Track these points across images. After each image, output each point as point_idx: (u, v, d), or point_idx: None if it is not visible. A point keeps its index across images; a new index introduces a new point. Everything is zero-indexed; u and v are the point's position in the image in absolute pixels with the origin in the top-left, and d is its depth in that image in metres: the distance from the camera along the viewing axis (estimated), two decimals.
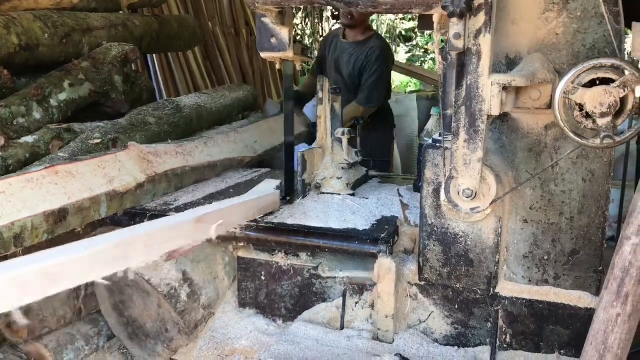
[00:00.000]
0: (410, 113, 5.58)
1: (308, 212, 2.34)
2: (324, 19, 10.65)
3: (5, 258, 1.57)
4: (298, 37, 9.53)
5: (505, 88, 1.57)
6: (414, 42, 12.28)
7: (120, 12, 3.59)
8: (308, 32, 10.56)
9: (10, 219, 1.54)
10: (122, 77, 3.05)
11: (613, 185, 1.81)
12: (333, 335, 2.01)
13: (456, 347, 1.98)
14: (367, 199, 2.56)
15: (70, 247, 1.21)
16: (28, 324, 1.64)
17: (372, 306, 2.03)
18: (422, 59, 11.94)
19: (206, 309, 2.20)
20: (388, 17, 11.17)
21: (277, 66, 2.13)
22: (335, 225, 2.20)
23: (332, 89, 2.67)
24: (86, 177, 1.90)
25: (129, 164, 2.08)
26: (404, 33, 12.22)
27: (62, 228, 1.74)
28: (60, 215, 1.71)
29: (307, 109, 4.38)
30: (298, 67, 2.44)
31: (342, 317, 2.10)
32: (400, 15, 10.46)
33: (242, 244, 2.23)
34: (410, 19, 10.84)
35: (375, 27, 10.79)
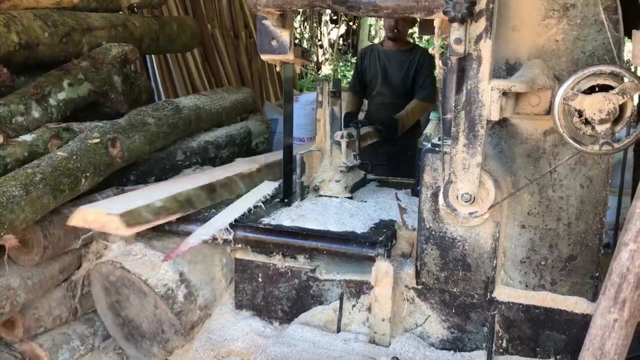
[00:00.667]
0: None
1: (306, 215, 2.34)
2: (322, 22, 10.67)
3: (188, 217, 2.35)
4: (296, 41, 9.54)
5: (504, 93, 1.58)
6: None
7: (120, 12, 3.59)
8: (306, 35, 10.57)
9: (179, 190, 2.39)
10: (122, 77, 3.04)
11: (610, 192, 1.82)
12: (329, 338, 2.00)
13: (452, 351, 1.98)
14: (365, 202, 2.57)
15: None
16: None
17: (369, 309, 2.03)
18: None
19: (203, 310, 2.20)
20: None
21: (277, 68, 2.15)
22: (333, 228, 2.21)
23: (331, 92, 2.68)
24: (218, 171, 2.87)
25: (243, 164, 3.01)
26: None
27: (217, 197, 2.52)
28: (210, 187, 2.52)
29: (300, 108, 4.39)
30: (297, 70, 2.46)
31: (339, 319, 2.09)
32: None
33: (239, 246, 2.23)
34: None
35: (374, 32, 10.83)
